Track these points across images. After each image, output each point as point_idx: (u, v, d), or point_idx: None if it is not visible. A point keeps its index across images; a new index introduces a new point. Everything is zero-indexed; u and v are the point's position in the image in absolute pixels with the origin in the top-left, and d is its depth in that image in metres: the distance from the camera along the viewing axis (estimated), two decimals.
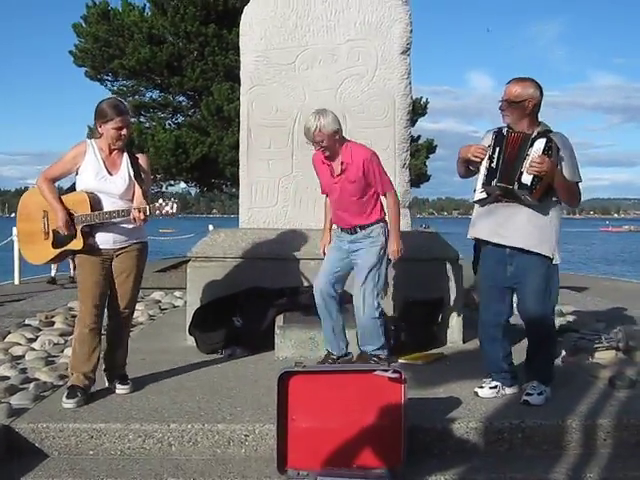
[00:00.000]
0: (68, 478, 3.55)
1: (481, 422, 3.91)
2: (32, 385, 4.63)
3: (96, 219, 4.40)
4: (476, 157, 4.35)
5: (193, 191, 19.03)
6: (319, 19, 6.47)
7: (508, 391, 4.45)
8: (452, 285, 6.09)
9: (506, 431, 3.88)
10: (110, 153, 4.52)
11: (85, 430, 3.85)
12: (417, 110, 18.17)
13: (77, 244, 4.43)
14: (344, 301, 5.11)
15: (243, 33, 6.60)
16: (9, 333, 6.49)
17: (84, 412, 4.07)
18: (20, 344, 6.03)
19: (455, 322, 6.05)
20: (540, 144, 4.13)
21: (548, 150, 4.13)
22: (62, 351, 5.77)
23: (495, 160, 4.24)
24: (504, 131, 4.31)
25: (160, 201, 4.50)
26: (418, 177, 17.78)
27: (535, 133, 4.21)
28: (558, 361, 5.17)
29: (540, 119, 4.38)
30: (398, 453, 3.48)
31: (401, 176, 6.56)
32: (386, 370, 3.50)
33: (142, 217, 4.39)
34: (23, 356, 5.64)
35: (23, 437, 3.84)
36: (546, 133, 4.23)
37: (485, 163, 4.32)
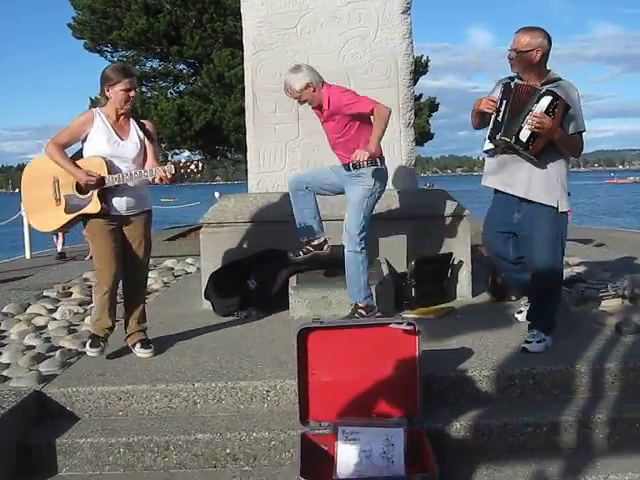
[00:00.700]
0: (101, 437, 3.72)
1: (493, 370, 4.06)
2: (58, 353, 4.78)
3: (124, 180, 4.49)
4: (488, 109, 4.47)
5: (197, 159, 19.10)
6: None
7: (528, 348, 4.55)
8: (460, 241, 6.20)
9: (517, 377, 4.04)
10: (117, 119, 4.61)
11: (113, 392, 4.02)
12: (418, 68, 18.07)
13: (94, 207, 4.48)
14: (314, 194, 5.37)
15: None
16: (29, 305, 6.63)
17: (110, 375, 4.23)
18: (41, 315, 6.18)
19: (464, 277, 6.18)
20: (545, 101, 4.21)
21: (552, 109, 4.20)
22: (83, 320, 5.92)
23: (501, 113, 4.34)
24: (512, 84, 4.38)
25: (184, 160, 4.70)
26: (422, 136, 17.75)
27: (544, 89, 4.27)
28: (563, 309, 5.32)
29: (549, 67, 4.46)
30: (415, 402, 3.63)
31: (406, 135, 6.62)
32: (400, 323, 3.64)
33: (169, 176, 4.53)
34: (45, 326, 5.79)
35: (54, 401, 4.01)
36: (554, 86, 4.29)
37: (493, 115, 4.43)
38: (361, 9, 6.50)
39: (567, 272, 7.07)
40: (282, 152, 6.65)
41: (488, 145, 4.56)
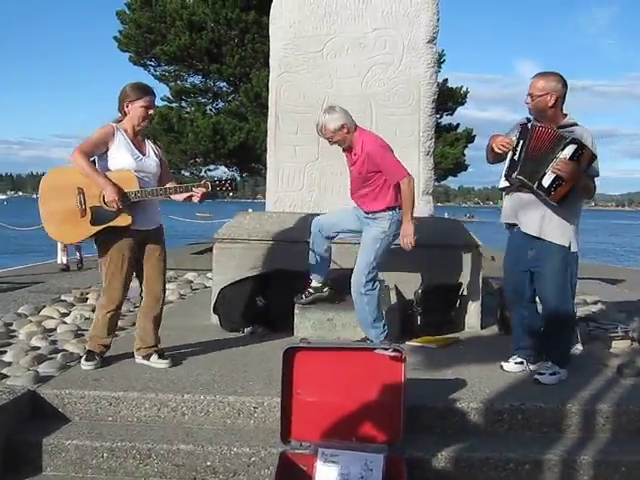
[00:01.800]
0: (86, 440, 3.79)
1: (482, 403, 4.03)
2: (60, 355, 4.87)
3: (160, 194, 4.58)
4: (500, 149, 4.52)
5: (230, 178, 19.31)
6: (347, 7, 6.57)
7: (532, 367, 4.65)
8: (471, 271, 6.18)
9: (506, 412, 4.01)
10: (135, 136, 4.67)
11: (104, 397, 4.09)
12: (457, 99, 18.19)
13: (124, 220, 4.49)
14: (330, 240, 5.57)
15: (273, 21, 6.75)
16: (44, 307, 6.78)
17: (104, 381, 4.30)
18: (53, 318, 6.30)
19: (473, 308, 6.15)
20: (570, 150, 4.25)
21: (577, 157, 4.23)
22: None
23: (518, 152, 4.39)
24: (529, 125, 4.44)
25: (218, 178, 4.81)
26: (456, 166, 17.80)
27: (569, 137, 4.29)
28: (574, 349, 5.27)
29: (566, 112, 4.51)
30: (397, 429, 3.62)
31: (425, 163, 6.66)
32: (386, 349, 3.65)
33: (204, 192, 4.65)
34: (55, 329, 5.90)
35: (47, 402, 4.10)
36: (569, 131, 4.33)
37: (510, 154, 4.47)
38: (387, 36, 6.56)
39: (581, 310, 7.01)
40: (301, 173, 6.72)
41: (504, 183, 4.60)
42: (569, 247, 4.48)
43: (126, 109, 4.62)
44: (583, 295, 8.21)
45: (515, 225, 4.66)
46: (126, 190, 4.45)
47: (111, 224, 4.50)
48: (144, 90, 4.67)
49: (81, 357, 4.86)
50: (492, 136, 4.67)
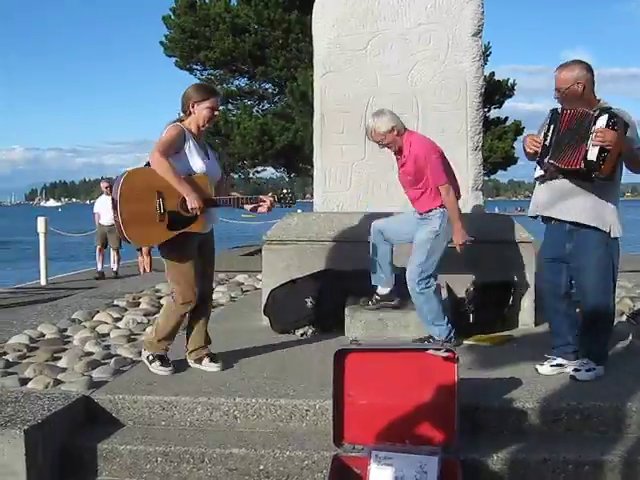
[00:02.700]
0: (140, 445, 3.81)
1: (539, 402, 3.94)
2: (113, 360, 4.92)
3: (236, 203, 4.62)
4: (531, 149, 4.44)
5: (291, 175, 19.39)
6: (389, 4, 6.51)
7: (569, 369, 4.45)
8: (524, 267, 6.05)
9: (564, 412, 3.90)
10: (199, 137, 4.64)
11: (157, 402, 4.11)
12: (504, 92, 17.92)
13: (198, 226, 4.52)
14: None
15: (316, 20, 6.72)
16: (97, 312, 6.87)
17: (157, 386, 4.33)
18: (107, 323, 6.39)
19: (527, 304, 6.03)
20: (603, 120, 4.12)
21: (613, 124, 4.10)
22: (144, 329, 6.07)
23: (549, 138, 4.28)
24: (559, 109, 4.33)
25: (281, 191, 4.84)
26: (505, 160, 17.56)
27: (597, 112, 4.18)
28: (623, 343, 5.13)
29: (599, 97, 4.38)
30: (451, 431, 3.56)
31: (473, 159, 6.56)
32: (438, 349, 3.59)
33: (272, 203, 4.71)
34: (108, 334, 5.97)
35: (101, 407, 4.13)
36: (603, 110, 4.20)
37: (542, 142, 4.37)
38: (432, 31, 6.48)
39: (637, 304, 6.83)
40: (348, 173, 6.68)
41: (539, 172, 4.50)
42: (609, 233, 4.34)
43: (191, 109, 4.58)
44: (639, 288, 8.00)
45: (551, 219, 4.54)
46: (204, 197, 4.46)
47: (187, 230, 4.51)
48: (210, 91, 4.69)
49: (134, 362, 4.91)
50: (525, 137, 4.63)
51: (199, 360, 4.79)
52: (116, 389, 4.28)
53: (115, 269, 13.89)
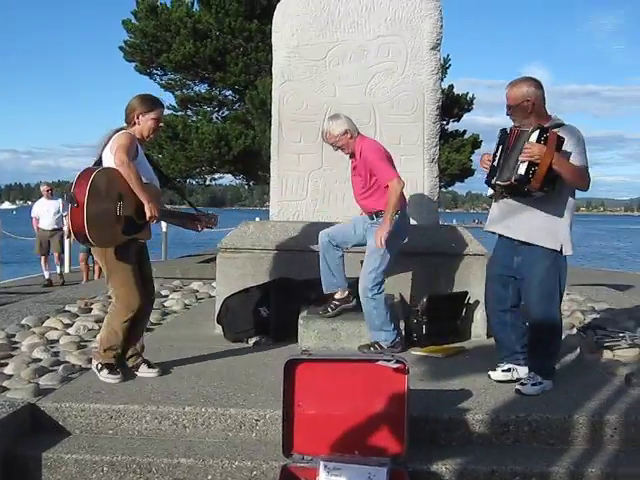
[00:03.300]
0: (86, 454, 3.74)
1: (487, 414, 3.97)
2: (61, 367, 4.83)
3: (182, 218, 4.87)
4: (485, 168, 4.54)
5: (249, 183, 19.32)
6: (350, 15, 6.54)
7: (521, 372, 4.55)
8: (477, 280, 6.10)
9: (512, 423, 3.94)
10: (141, 147, 4.66)
11: (105, 410, 4.04)
12: (463, 105, 18.13)
13: (147, 235, 4.63)
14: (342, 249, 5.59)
15: (276, 29, 6.71)
16: (47, 318, 6.74)
17: (105, 393, 4.26)
18: (57, 329, 6.26)
19: (479, 316, 6.07)
20: (534, 136, 4.21)
21: (544, 139, 4.17)
22: (95, 336, 5.95)
23: (497, 158, 4.37)
24: (507, 129, 4.41)
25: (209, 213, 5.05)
26: (462, 172, 17.75)
27: (531, 127, 4.25)
28: (572, 356, 5.21)
29: (550, 113, 4.47)
30: (400, 442, 3.56)
31: (430, 171, 6.60)
32: (389, 360, 3.59)
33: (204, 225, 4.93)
34: (57, 340, 5.86)
35: (47, 415, 4.05)
36: (537, 126, 4.26)
37: (491, 162, 4.47)
38: (390, 43, 6.53)
39: (589, 317, 6.94)
40: (305, 181, 6.68)
41: (491, 190, 4.58)
42: (560, 251, 4.39)
43: (136, 120, 4.58)
44: (591, 302, 8.13)
45: (500, 235, 4.62)
46: (159, 206, 4.54)
47: (137, 236, 4.55)
48: (156, 102, 4.68)
49: (83, 369, 4.84)
50: (481, 155, 4.74)
51: (136, 367, 4.74)
52: (63, 397, 4.20)
53: (60, 272, 13.67)
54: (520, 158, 4.20)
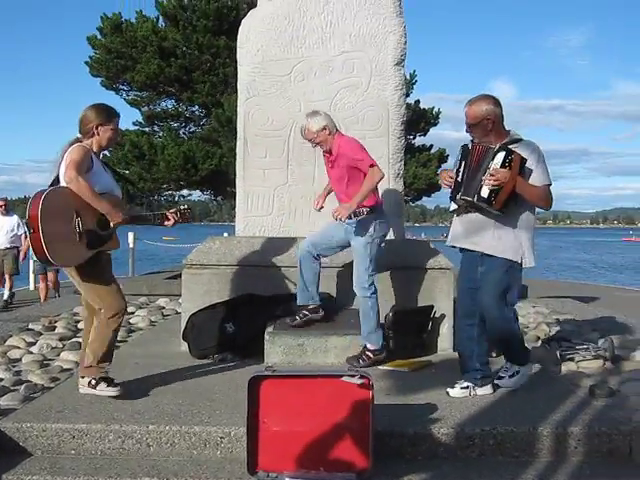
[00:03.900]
0: (47, 476, 3.66)
1: (453, 428, 3.97)
2: (23, 387, 4.74)
3: (153, 219, 4.77)
4: (445, 184, 4.66)
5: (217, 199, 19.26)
6: (315, 31, 6.58)
7: (480, 392, 4.59)
8: (443, 293, 6.14)
9: (477, 437, 3.94)
10: (98, 157, 4.64)
11: (67, 430, 3.97)
12: (429, 120, 18.28)
13: (114, 245, 4.60)
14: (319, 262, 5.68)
15: (240, 45, 6.74)
16: (10, 337, 6.63)
17: (68, 413, 4.19)
18: (19, 347, 6.16)
19: (445, 330, 6.10)
20: (500, 157, 4.32)
21: (508, 162, 4.27)
22: (58, 355, 5.89)
23: (461, 174, 4.44)
24: (469, 145, 4.47)
25: (182, 207, 4.99)
26: (429, 187, 17.86)
27: (497, 146, 4.33)
28: (537, 368, 5.26)
29: (508, 128, 4.57)
30: (366, 457, 3.55)
31: (395, 186, 6.63)
32: (353, 376, 3.59)
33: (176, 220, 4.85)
34: (20, 359, 5.77)
35: (8, 436, 3.96)
36: (507, 145, 4.35)
37: (455, 177, 4.53)
38: (355, 59, 6.57)
39: (553, 330, 7.00)
40: (270, 197, 6.67)
41: (453, 206, 4.64)
42: (521, 263, 4.52)
43: (95, 131, 4.54)
44: (556, 314, 8.21)
45: (465, 249, 4.69)
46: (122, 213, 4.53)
47: (104, 248, 4.53)
48: (113, 113, 4.66)
49: (45, 388, 4.76)
50: (440, 172, 4.86)
51: (95, 385, 4.59)
52: (24, 417, 4.12)
53: (6, 297, 12.74)
54: (484, 182, 4.31)
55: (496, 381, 4.49)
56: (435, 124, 18.72)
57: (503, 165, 4.27)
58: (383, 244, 5.53)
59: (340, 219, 5.17)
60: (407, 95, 6.88)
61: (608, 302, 12.06)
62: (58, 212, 4.29)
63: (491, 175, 4.27)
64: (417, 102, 18.32)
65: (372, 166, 5.25)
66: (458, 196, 4.49)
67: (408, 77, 16.25)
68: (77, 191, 4.29)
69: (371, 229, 5.33)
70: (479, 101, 4.48)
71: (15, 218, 12.86)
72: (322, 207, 5.67)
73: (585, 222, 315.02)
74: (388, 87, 6.58)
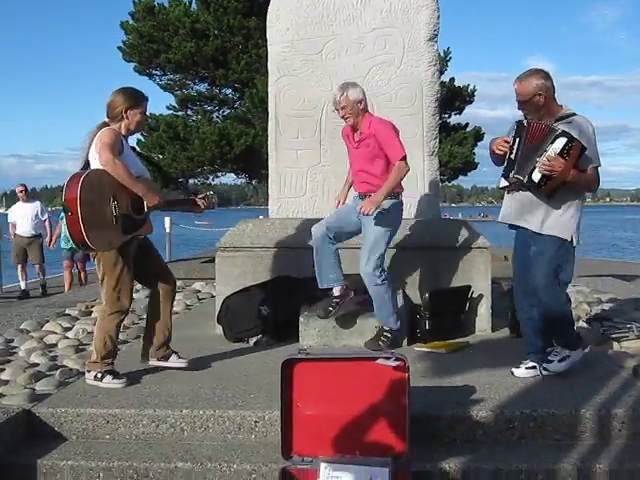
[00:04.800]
0: (82, 461, 3.67)
1: (492, 411, 3.87)
2: (58, 372, 4.75)
3: (186, 203, 4.84)
4: (500, 150, 4.46)
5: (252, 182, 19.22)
6: (345, 8, 6.45)
7: (551, 368, 4.49)
8: (480, 273, 6.02)
9: (517, 420, 3.84)
10: (127, 141, 4.61)
11: (101, 415, 3.97)
12: (464, 98, 18.01)
13: (149, 229, 4.58)
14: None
15: (270, 24, 6.66)
16: (47, 322, 6.68)
17: (102, 398, 4.18)
18: (56, 332, 6.20)
19: (484, 310, 5.99)
20: (560, 143, 4.17)
21: (567, 151, 4.12)
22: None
23: (514, 152, 4.32)
24: (524, 122, 4.34)
25: (209, 193, 4.95)
26: (465, 165, 17.64)
27: (559, 129, 4.18)
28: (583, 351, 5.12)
29: (561, 103, 4.41)
30: (402, 442, 3.47)
31: (430, 164, 6.50)
32: (388, 358, 3.50)
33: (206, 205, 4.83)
34: (56, 344, 5.80)
35: (43, 421, 3.98)
36: (567, 121, 4.22)
37: (507, 154, 4.38)
38: (386, 35, 6.43)
39: (595, 309, 6.83)
40: (304, 178, 6.59)
41: (503, 182, 4.55)
42: (571, 241, 4.40)
43: (124, 114, 4.50)
44: (597, 294, 8.02)
45: (517, 227, 4.58)
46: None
47: (137, 233, 4.51)
48: (142, 96, 4.62)
49: (80, 373, 4.76)
50: (492, 140, 4.63)
51: (165, 357, 4.72)
52: (59, 402, 4.12)
53: (42, 283, 12.59)
54: (539, 166, 4.19)
55: (545, 365, 4.36)
56: (470, 102, 18.42)
57: (561, 153, 4.13)
58: (395, 233, 5.37)
59: (367, 213, 4.96)
60: (441, 72, 6.69)
61: None
62: (96, 195, 4.24)
63: (548, 160, 4.14)
64: (452, 80, 18.04)
65: (403, 159, 5.05)
66: (511, 174, 4.37)
67: (442, 54, 15.98)
68: (114, 173, 4.26)
69: (390, 219, 5.15)
70: (529, 77, 4.32)
71: (37, 204, 12.65)
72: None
73: (625, 200, 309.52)
74: (421, 63, 6.43)
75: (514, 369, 4.59)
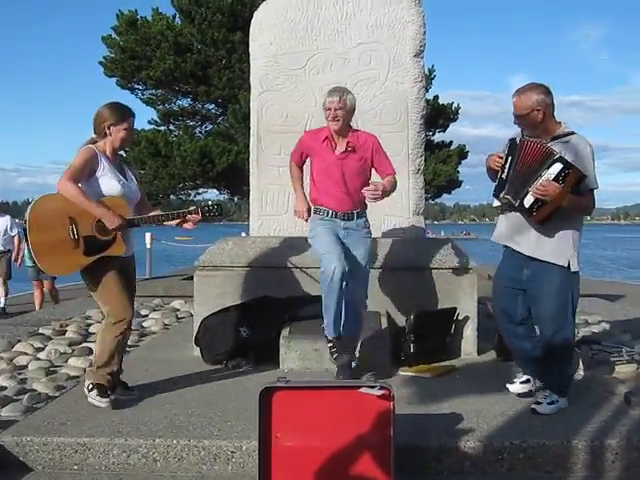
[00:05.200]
0: None
1: (480, 441, 3.70)
2: (26, 396, 4.53)
3: (158, 220, 4.50)
4: (496, 167, 4.28)
5: (214, 201, 19.03)
6: (330, 22, 6.33)
7: (539, 385, 4.41)
8: (466, 294, 5.86)
9: (506, 451, 3.67)
10: (113, 158, 4.46)
11: (69, 444, 3.75)
12: (448, 115, 17.98)
13: (118, 249, 4.37)
14: None
15: (253, 38, 6.53)
16: (19, 341, 6.44)
17: (70, 425, 3.97)
18: (26, 353, 5.96)
19: (469, 333, 5.83)
20: (555, 169, 3.97)
21: (563, 177, 3.95)
22: (66, 361, 5.69)
23: (506, 170, 4.14)
24: (517, 140, 4.17)
25: (205, 203, 4.72)
26: (450, 183, 17.58)
27: (557, 155, 4.01)
28: (576, 375, 4.96)
29: (559, 120, 4.24)
30: (387, 473, 3.29)
31: (415, 182, 6.36)
32: (372, 387, 3.32)
33: (198, 219, 4.57)
34: (26, 366, 5.57)
35: (7, 450, 3.75)
36: (564, 140, 4.08)
37: (499, 172, 4.22)
38: (372, 51, 6.31)
39: (582, 331, 6.70)
40: (285, 195, 6.41)
41: (497, 202, 4.37)
42: (568, 267, 4.18)
43: (107, 131, 4.39)
44: (584, 315, 7.89)
45: (507, 246, 4.42)
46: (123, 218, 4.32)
47: (106, 253, 4.33)
48: (127, 112, 4.47)
49: (50, 397, 4.56)
50: (488, 156, 4.44)
51: (112, 389, 4.48)
52: (25, 430, 3.90)
53: (2, 304, 12.14)
54: (532, 190, 4.02)
55: (533, 405, 4.17)
56: (454, 120, 18.39)
57: (557, 179, 3.96)
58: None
59: (373, 200, 4.69)
60: (426, 90, 6.58)
61: (635, 300, 11.72)
62: (49, 220, 4.24)
63: (540, 187, 3.97)
64: (436, 97, 18.01)
65: (394, 173, 4.92)
66: (501, 194, 4.21)
67: (427, 72, 15.95)
68: (67, 196, 4.18)
69: (370, 232, 4.99)
70: (528, 91, 4.14)
71: (7, 219, 12.35)
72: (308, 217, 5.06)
73: (606, 218, 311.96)
74: (407, 79, 6.31)
75: (508, 385, 4.49)
